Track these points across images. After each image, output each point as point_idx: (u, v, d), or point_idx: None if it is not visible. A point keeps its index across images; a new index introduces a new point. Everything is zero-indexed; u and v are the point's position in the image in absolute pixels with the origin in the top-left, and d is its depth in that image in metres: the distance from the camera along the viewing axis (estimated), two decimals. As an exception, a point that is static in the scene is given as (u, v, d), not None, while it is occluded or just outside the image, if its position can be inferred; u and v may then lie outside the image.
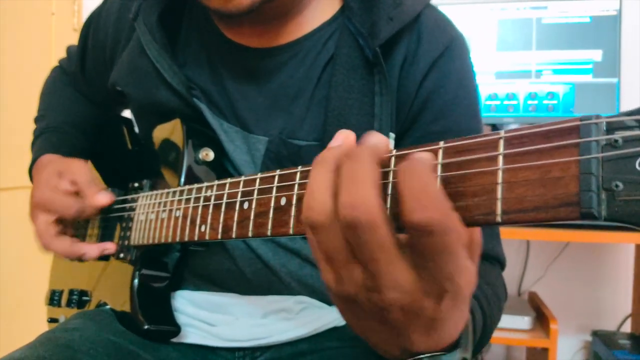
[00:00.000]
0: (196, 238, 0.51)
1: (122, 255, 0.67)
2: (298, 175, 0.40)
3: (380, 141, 0.33)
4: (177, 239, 0.55)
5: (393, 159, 0.34)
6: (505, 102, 1.53)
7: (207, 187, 0.51)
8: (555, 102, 1.50)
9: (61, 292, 0.80)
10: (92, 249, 0.67)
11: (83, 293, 0.75)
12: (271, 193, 0.42)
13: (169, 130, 0.67)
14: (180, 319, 0.65)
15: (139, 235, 0.64)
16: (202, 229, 0.51)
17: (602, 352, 1.40)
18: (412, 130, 0.62)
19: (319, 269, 0.34)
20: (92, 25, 0.78)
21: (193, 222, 0.52)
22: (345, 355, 0.63)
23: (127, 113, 0.84)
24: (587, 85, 1.48)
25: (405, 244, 0.31)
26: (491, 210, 0.29)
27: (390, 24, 0.58)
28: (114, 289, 0.68)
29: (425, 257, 0.30)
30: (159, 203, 0.60)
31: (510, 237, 1.47)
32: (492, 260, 0.62)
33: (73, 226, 0.72)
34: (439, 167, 0.32)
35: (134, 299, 0.62)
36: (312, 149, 0.61)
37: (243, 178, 0.46)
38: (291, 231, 0.40)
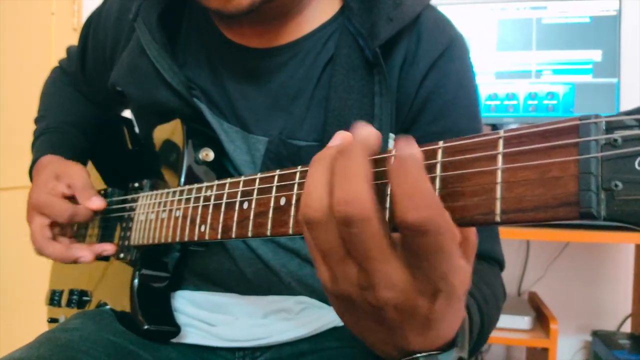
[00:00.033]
0: (196, 238, 0.52)
1: (122, 255, 0.67)
2: (297, 175, 0.40)
3: (370, 133, 0.33)
4: (177, 239, 0.55)
5: (393, 159, 0.34)
6: (505, 102, 1.53)
7: (207, 187, 0.51)
8: (555, 102, 1.50)
9: (61, 292, 0.80)
10: (87, 252, 0.66)
11: (83, 293, 0.75)
12: (271, 193, 0.42)
13: (169, 131, 0.67)
14: (180, 319, 0.65)
15: (139, 235, 0.64)
16: (202, 229, 0.51)
17: (602, 352, 1.40)
18: (412, 131, 0.62)
19: (315, 267, 0.35)
20: (92, 26, 0.78)
21: (193, 222, 0.52)
22: (345, 355, 0.63)
23: (127, 113, 0.84)
24: (587, 86, 1.48)
25: (399, 243, 0.31)
26: (490, 210, 0.29)
27: (390, 24, 0.58)
28: (114, 289, 0.68)
29: (419, 257, 0.30)
30: (159, 203, 0.60)
31: (510, 237, 1.47)
32: (490, 260, 0.62)
33: (73, 227, 0.72)
34: (438, 167, 0.32)
35: (134, 299, 0.62)
36: (311, 149, 0.61)
37: (243, 178, 0.46)
38: (291, 231, 0.40)
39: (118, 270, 0.68)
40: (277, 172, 0.42)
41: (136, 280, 0.63)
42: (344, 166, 0.31)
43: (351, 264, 0.32)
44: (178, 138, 0.65)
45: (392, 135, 0.61)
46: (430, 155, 0.33)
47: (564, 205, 0.27)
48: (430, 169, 0.32)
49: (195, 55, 0.67)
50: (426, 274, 0.30)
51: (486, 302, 0.51)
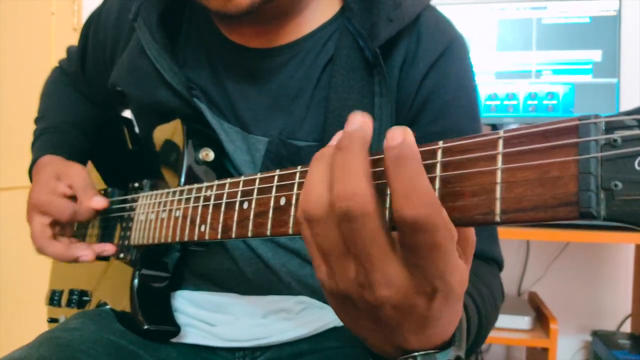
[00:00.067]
0: (196, 238, 0.52)
1: (122, 255, 0.67)
2: (297, 175, 0.40)
3: (366, 122, 0.33)
4: (177, 239, 0.55)
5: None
6: (505, 102, 1.53)
7: (207, 187, 0.51)
8: (555, 102, 1.50)
9: (61, 292, 0.80)
10: (88, 251, 0.66)
11: (83, 293, 0.75)
12: (271, 193, 0.42)
13: (169, 131, 0.67)
14: (180, 319, 0.65)
15: (139, 235, 0.64)
16: (202, 228, 0.51)
17: (602, 352, 1.40)
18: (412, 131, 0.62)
19: (313, 265, 0.35)
20: (92, 26, 0.78)
21: (193, 222, 0.52)
22: (345, 355, 0.63)
23: (127, 113, 0.84)
24: (586, 86, 1.48)
25: (398, 242, 0.31)
26: (490, 210, 0.29)
27: (390, 25, 0.58)
28: (114, 289, 0.68)
29: (416, 255, 0.30)
30: (159, 203, 0.60)
31: (510, 237, 1.47)
32: (489, 261, 0.62)
33: (73, 226, 0.72)
34: (438, 167, 0.32)
35: (134, 299, 0.62)
36: (311, 149, 0.61)
37: (243, 178, 0.46)
38: (290, 231, 0.40)
39: (118, 270, 0.68)
40: (277, 172, 0.42)
41: (136, 280, 0.63)
42: (343, 161, 0.31)
43: (350, 262, 0.32)
44: (178, 138, 0.65)
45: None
46: (430, 155, 0.33)
47: (563, 205, 0.27)
48: (430, 169, 0.32)
49: (196, 55, 0.67)
50: (424, 273, 0.31)
51: (484, 302, 0.51)
